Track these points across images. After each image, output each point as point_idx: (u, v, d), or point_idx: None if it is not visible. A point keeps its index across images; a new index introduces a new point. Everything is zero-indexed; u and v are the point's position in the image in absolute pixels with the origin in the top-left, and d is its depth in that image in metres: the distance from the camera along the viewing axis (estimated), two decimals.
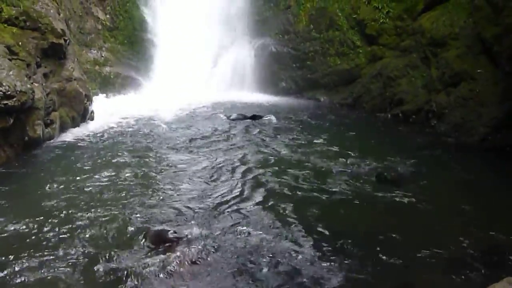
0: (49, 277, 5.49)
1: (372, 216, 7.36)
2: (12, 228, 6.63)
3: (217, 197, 7.92)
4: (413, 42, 13.72)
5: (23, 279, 5.44)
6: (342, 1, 15.74)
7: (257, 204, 7.64)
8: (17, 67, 9.64)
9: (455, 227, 6.97)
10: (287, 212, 7.33)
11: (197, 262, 5.81)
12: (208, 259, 5.90)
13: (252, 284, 5.41)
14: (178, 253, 5.92)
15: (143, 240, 6.35)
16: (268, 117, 13.41)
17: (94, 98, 13.62)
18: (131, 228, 6.72)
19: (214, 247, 6.18)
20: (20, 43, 10.00)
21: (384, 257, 5.99)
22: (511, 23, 9.87)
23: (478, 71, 11.52)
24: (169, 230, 6.51)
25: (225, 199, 7.84)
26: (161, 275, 5.46)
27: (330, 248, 6.26)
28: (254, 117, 13.31)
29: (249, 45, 17.73)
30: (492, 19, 10.70)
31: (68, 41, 11.46)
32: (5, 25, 10.02)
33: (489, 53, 11.25)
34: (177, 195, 8.03)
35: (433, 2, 13.45)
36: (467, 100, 11.52)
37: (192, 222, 6.96)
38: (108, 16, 15.97)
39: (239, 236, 6.53)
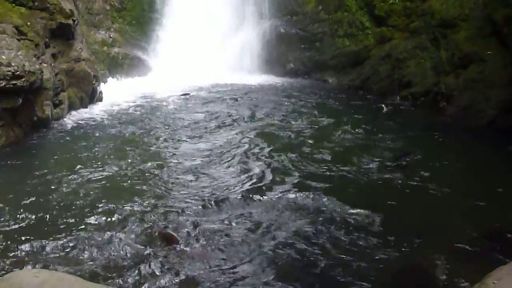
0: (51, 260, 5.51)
1: (381, 198, 7.34)
2: (17, 206, 6.67)
3: (226, 180, 7.94)
4: (423, 23, 13.60)
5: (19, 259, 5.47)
6: None
7: (267, 187, 7.64)
8: (26, 47, 9.63)
9: (462, 209, 6.95)
10: (295, 194, 7.33)
11: (204, 256, 5.79)
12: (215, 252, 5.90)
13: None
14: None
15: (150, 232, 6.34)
16: None
17: (103, 79, 13.62)
18: (134, 214, 6.73)
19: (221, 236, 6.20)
20: (28, 23, 9.98)
21: (393, 238, 5.99)
22: None
23: (488, 53, 11.42)
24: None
25: (231, 182, 7.85)
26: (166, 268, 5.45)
27: (339, 230, 6.26)
28: None
29: (257, 26, 17.63)
30: (503, 0, 10.57)
31: (76, 21, 11.43)
32: (13, 5, 10.00)
33: (499, 35, 11.15)
34: (183, 180, 8.00)
35: None
36: (476, 83, 11.44)
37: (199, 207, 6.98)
38: None
39: (247, 227, 6.51)
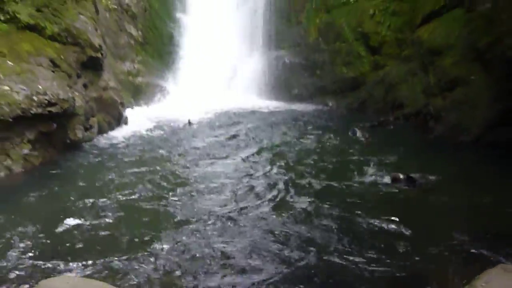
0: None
1: (384, 210, 7.27)
2: (50, 217, 6.66)
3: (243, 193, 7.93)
4: (412, 51, 13.61)
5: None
6: (348, 15, 15.67)
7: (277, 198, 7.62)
8: (60, 78, 9.70)
9: (456, 218, 6.88)
10: (305, 204, 7.30)
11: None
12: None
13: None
14: None
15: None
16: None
17: (128, 105, 13.71)
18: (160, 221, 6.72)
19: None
20: (62, 56, 10.06)
21: (394, 248, 5.91)
22: (502, 32, 9.74)
23: (472, 77, 11.39)
24: None
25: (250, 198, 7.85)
26: None
27: (344, 238, 6.20)
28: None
29: (265, 56, 17.74)
30: (484, 29, 10.57)
31: (104, 54, 11.52)
32: (49, 41, 10.08)
33: (481, 60, 11.10)
34: (204, 193, 8.00)
35: (430, 15, 13.31)
36: (461, 104, 11.39)
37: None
38: (139, 32, 16.02)
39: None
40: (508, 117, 10.10)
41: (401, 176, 8.24)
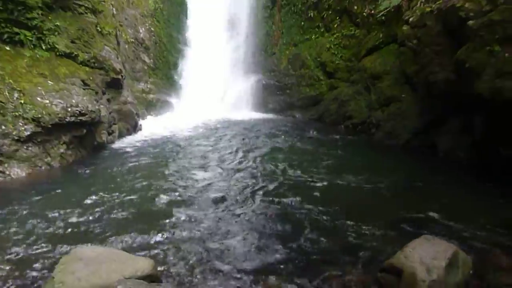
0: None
1: (331, 196, 7.31)
2: (83, 203, 6.59)
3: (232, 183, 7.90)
4: (359, 76, 13.71)
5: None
6: (310, 48, 15.74)
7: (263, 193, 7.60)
8: (89, 94, 9.60)
9: (390, 202, 6.93)
10: (278, 194, 7.29)
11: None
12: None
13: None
14: None
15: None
16: None
17: (142, 116, 13.62)
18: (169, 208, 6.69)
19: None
20: (91, 78, 9.96)
21: (336, 227, 5.94)
22: (425, 62, 9.86)
23: (403, 95, 11.54)
24: None
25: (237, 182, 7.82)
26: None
27: (306, 226, 6.21)
28: None
29: (248, 79, 17.78)
30: (412, 59, 10.69)
31: (124, 76, 11.44)
32: (81, 65, 9.99)
33: (410, 83, 11.27)
34: (206, 184, 7.98)
35: (372, 49, 13.44)
36: (395, 115, 11.52)
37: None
38: (151, 60, 15.91)
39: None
40: (430, 127, 10.27)
41: None
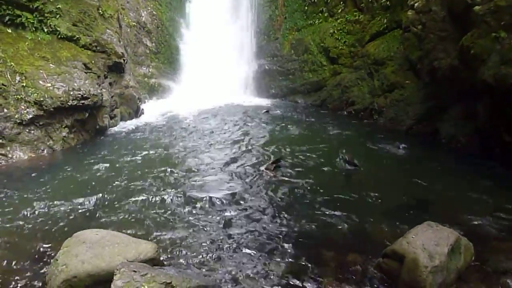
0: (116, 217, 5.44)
1: (334, 184, 7.30)
2: (85, 184, 6.59)
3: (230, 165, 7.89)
4: (362, 62, 13.58)
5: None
6: (313, 34, 15.55)
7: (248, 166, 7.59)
8: (91, 78, 9.55)
9: (392, 188, 6.90)
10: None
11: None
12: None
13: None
14: None
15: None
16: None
17: (144, 100, 13.56)
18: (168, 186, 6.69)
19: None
20: (93, 61, 9.89)
21: (340, 212, 5.94)
22: (430, 49, 9.75)
23: (406, 82, 11.45)
24: None
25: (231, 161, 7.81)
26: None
27: (304, 204, 6.21)
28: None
29: (250, 64, 17.63)
30: (416, 45, 10.59)
31: (126, 60, 11.35)
32: (82, 49, 9.91)
33: (414, 69, 11.17)
34: (205, 167, 7.97)
35: (376, 34, 13.29)
36: (398, 102, 11.44)
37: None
38: (153, 44, 15.77)
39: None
40: (432, 113, 10.21)
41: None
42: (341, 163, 8.09)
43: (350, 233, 5.26)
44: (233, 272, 4.35)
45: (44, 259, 4.52)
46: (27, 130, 8.17)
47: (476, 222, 5.46)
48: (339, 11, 14.71)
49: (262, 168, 7.44)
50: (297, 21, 16.39)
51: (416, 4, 10.19)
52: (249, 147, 9.02)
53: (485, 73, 7.41)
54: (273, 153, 8.62)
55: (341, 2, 14.66)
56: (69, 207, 5.82)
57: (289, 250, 4.81)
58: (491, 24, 7.38)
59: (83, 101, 8.95)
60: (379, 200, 6.27)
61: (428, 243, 4.12)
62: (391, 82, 11.90)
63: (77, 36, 9.80)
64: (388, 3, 12.75)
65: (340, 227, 5.41)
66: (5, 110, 7.88)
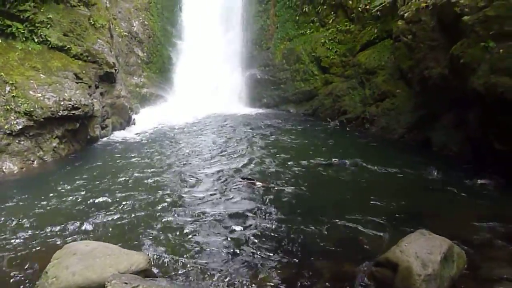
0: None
1: (325, 185, 7.32)
2: (73, 194, 6.54)
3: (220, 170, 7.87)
4: (353, 71, 13.70)
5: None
6: (305, 43, 15.68)
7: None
8: (82, 88, 9.53)
9: (384, 197, 6.88)
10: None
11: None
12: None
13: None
14: None
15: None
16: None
17: (136, 110, 13.55)
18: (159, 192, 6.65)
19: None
20: (84, 71, 9.89)
21: (332, 221, 5.94)
22: (420, 58, 9.88)
23: (398, 91, 11.56)
24: None
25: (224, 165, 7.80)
26: None
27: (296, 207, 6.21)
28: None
29: (242, 74, 17.70)
30: (407, 55, 10.71)
31: (117, 70, 11.36)
32: (73, 59, 9.90)
33: (405, 78, 11.28)
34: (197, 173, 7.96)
35: (367, 44, 13.44)
36: (390, 111, 11.54)
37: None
38: (145, 54, 15.83)
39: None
40: (423, 122, 10.30)
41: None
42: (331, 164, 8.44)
43: (342, 242, 5.26)
44: (225, 283, 4.32)
45: (34, 272, 4.46)
46: (17, 141, 8.10)
47: (468, 230, 5.49)
48: (330, 21, 14.87)
49: (252, 181, 7.40)
50: (289, 31, 16.52)
51: (406, 14, 10.34)
52: (241, 159, 8.99)
53: (475, 82, 7.50)
54: (261, 164, 8.64)
55: (332, 12, 14.82)
56: (60, 219, 5.76)
57: (282, 260, 4.79)
58: (480, 33, 7.50)
59: (74, 111, 8.92)
60: (370, 208, 6.28)
61: (421, 251, 4.14)
62: (382, 91, 12.01)
63: (68, 46, 9.80)
64: (378, 13, 12.92)
65: (332, 236, 5.40)
66: None
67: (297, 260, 4.78)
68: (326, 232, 5.49)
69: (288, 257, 4.84)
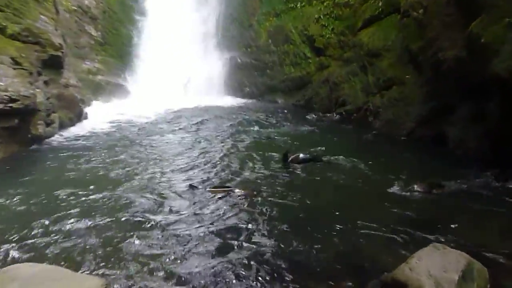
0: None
1: (327, 198, 7.35)
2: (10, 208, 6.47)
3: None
4: (353, 53, 13.82)
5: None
6: (295, 20, 15.78)
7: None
8: (21, 75, 9.40)
9: (393, 205, 6.92)
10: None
11: None
12: None
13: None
14: None
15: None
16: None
17: (88, 102, 13.43)
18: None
19: None
20: (23, 55, 9.75)
21: (330, 233, 5.97)
22: (433, 37, 9.98)
23: (407, 77, 11.66)
24: None
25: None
26: None
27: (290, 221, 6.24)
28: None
29: (219, 57, 17.66)
30: (417, 34, 10.82)
31: (65, 53, 11.25)
32: (10, 39, 9.77)
33: (415, 62, 11.38)
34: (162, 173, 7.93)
35: (370, 20, 13.56)
36: (397, 101, 11.66)
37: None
38: (99, 33, 15.71)
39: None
40: (437, 113, 10.40)
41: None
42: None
43: (339, 258, 5.27)
44: None
45: None
46: None
47: (490, 243, 5.55)
48: None
49: (229, 189, 7.41)
50: (276, 5, 16.60)
51: None
52: (217, 164, 8.95)
53: (497, 65, 7.62)
54: (242, 168, 8.67)
55: None
56: None
57: (274, 280, 4.80)
58: (504, 8, 7.60)
59: (11, 105, 8.79)
60: (376, 218, 6.31)
61: (435, 268, 4.19)
62: (388, 77, 12.13)
63: (4, 24, 9.66)
64: None
65: (327, 250, 5.42)
66: None
67: (293, 281, 4.79)
68: (319, 246, 5.49)
69: (281, 278, 4.85)
